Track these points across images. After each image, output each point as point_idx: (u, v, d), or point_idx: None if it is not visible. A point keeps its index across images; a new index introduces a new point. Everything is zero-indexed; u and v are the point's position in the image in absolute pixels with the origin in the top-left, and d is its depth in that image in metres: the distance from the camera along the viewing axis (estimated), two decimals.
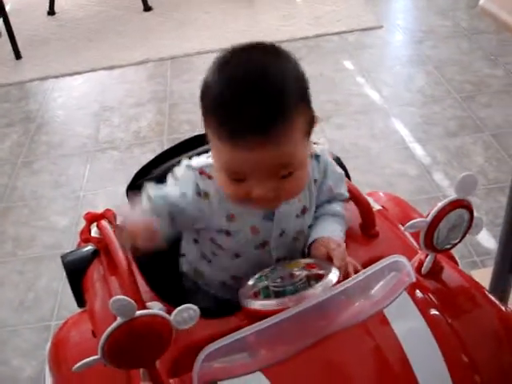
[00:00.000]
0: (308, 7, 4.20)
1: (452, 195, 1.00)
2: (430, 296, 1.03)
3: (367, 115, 2.98)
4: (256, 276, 1.03)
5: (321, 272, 1.00)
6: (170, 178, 1.08)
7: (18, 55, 3.91)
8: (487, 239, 2.16)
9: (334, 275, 0.99)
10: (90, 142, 3.05)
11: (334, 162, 1.17)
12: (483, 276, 1.91)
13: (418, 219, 0.99)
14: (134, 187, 1.22)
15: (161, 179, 1.14)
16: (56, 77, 3.71)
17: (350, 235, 1.17)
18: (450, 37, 3.65)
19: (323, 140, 1.31)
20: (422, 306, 0.99)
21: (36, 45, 4.07)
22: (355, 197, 1.20)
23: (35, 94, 3.61)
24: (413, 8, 4.35)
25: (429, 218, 0.98)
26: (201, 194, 1.04)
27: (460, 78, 3.20)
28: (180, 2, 4.48)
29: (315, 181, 1.12)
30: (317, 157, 1.11)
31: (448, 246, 1.05)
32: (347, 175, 1.40)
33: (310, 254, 1.11)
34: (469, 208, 1.01)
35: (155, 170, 1.27)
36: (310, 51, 3.65)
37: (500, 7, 1.24)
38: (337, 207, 1.17)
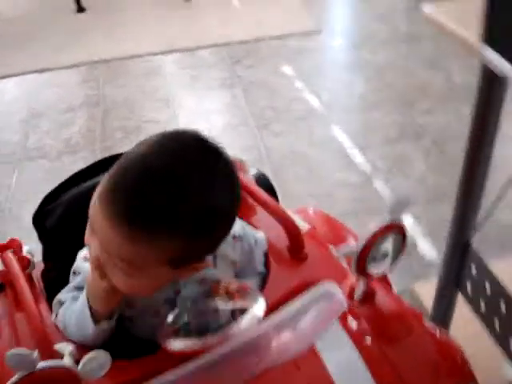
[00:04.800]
0: (246, 11, 4.14)
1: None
2: (363, 323, 0.97)
3: (307, 122, 2.92)
4: (176, 311, 0.93)
5: (245, 304, 0.92)
6: (71, 277, 0.98)
7: None
8: (429, 251, 2.12)
9: (259, 306, 0.90)
10: (18, 150, 2.89)
11: (253, 231, 1.06)
12: (427, 290, 1.86)
13: (349, 245, 0.93)
14: (41, 214, 1.11)
15: (69, 206, 1.04)
16: None
17: (277, 258, 1.09)
18: (388, 41, 3.63)
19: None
20: (355, 335, 0.93)
21: None
22: (282, 219, 1.12)
23: None
24: (351, 13, 4.33)
25: (360, 244, 0.91)
26: None
27: (400, 83, 3.18)
28: (115, 4, 4.35)
29: (233, 263, 1.02)
30: (239, 238, 1.01)
31: (380, 271, 0.98)
32: (274, 194, 1.32)
33: None
34: (401, 231, 0.94)
35: (63, 195, 1.15)
36: (249, 55, 3.58)
37: (447, 17, 1.19)
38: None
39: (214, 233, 0.82)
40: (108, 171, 0.80)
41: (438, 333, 0.99)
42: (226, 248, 0.97)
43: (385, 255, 0.96)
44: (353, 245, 0.92)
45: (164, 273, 0.83)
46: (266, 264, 1.09)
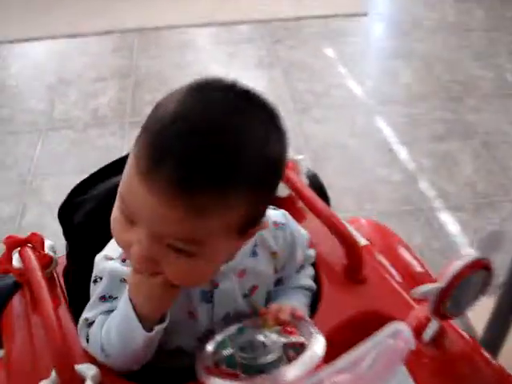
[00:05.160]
0: None
1: (467, 249, 0.80)
2: (429, 365, 0.86)
3: (348, 110, 2.75)
4: (218, 338, 0.80)
5: (300, 339, 0.78)
6: (92, 288, 0.85)
7: None
8: None
9: (319, 345, 0.76)
10: (43, 119, 2.76)
11: (296, 223, 0.94)
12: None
13: (430, 285, 0.78)
14: (69, 208, 0.97)
15: (100, 201, 0.94)
16: (11, 42, 3.39)
17: (332, 280, 0.96)
18: (437, 31, 3.44)
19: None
20: (421, 378, 0.82)
21: None
22: (339, 232, 0.97)
23: None
24: None
25: (443, 283, 0.77)
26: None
27: (448, 76, 2.99)
28: None
29: (274, 253, 0.88)
30: (281, 226, 0.89)
31: (460, 312, 0.84)
32: (326, 198, 1.18)
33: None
34: (489, 268, 0.80)
35: (93, 188, 1.01)
36: (289, 34, 3.41)
37: None
38: (305, 279, 0.95)
39: (274, 184, 0.72)
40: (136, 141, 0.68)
41: (504, 371, 0.88)
42: (267, 235, 0.85)
43: (467, 293, 0.82)
44: (434, 286, 0.77)
45: (230, 242, 0.71)
46: (316, 279, 0.96)
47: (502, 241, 0.77)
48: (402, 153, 2.45)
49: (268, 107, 0.70)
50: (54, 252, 1.01)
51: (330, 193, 2.14)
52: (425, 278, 1.17)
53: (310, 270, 0.97)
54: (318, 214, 0.99)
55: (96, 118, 2.73)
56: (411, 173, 2.34)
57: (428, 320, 0.83)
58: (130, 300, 0.74)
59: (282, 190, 1.11)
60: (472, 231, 2.07)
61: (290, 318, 0.82)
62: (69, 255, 1.02)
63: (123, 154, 2.47)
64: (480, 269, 0.78)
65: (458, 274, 0.76)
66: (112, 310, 0.79)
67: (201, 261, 0.68)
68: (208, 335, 0.81)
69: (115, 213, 0.71)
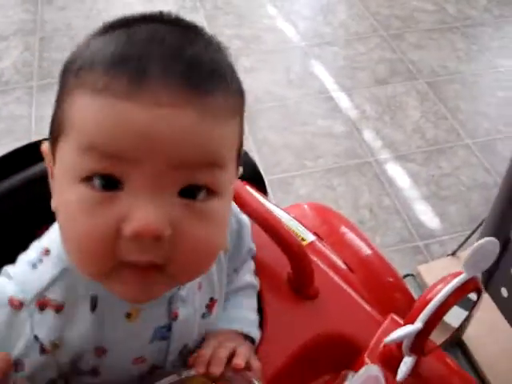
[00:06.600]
0: None
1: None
2: None
3: (281, 56, 2.51)
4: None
5: None
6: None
7: None
8: (431, 217, 1.80)
9: None
10: None
11: (238, 209, 0.72)
12: (432, 270, 1.56)
13: (404, 329, 0.58)
14: None
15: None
16: None
17: (277, 297, 0.76)
18: None
19: None
20: None
21: None
22: (283, 240, 0.76)
23: None
24: None
25: (420, 324, 0.57)
26: (45, 349, 0.55)
27: (386, 11, 2.77)
28: None
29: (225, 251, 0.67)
30: None
31: (442, 342, 0.65)
32: (260, 184, 0.97)
33: (210, 343, 0.66)
34: (477, 289, 0.61)
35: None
36: None
37: None
38: (246, 276, 0.76)
39: (244, 104, 0.56)
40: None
41: None
42: None
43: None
44: (410, 328, 0.57)
45: (234, 179, 0.55)
46: (259, 296, 0.76)
47: (495, 254, 0.57)
48: (343, 100, 2.24)
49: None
50: None
51: (268, 151, 1.92)
52: (377, 264, 1.04)
53: (252, 264, 0.78)
54: (251, 214, 0.76)
55: (0, 83, 2.40)
56: (354, 122, 2.14)
57: (402, 354, 0.64)
58: None
59: None
60: (423, 183, 1.90)
61: (223, 369, 0.61)
62: None
63: (32, 124, 2.10)
64: (466, 294, 0.58)
65: (444, 305, 0.56)
66: None
67: (221, 205, 0.51)
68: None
69: (75, 193, 0.48)
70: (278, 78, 2.37)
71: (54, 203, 0.52)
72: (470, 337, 1.41)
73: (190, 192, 0.48)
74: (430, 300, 0.59)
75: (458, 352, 1.41)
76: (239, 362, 0.61)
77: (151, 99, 0.45)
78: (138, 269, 0.47)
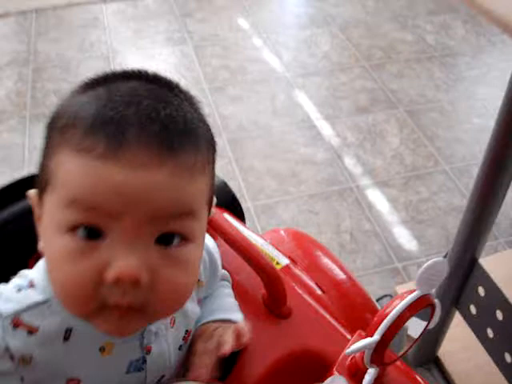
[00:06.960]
0: None
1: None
2: None
3: (266, 86, 2.60)
4: None
5: None
6: None
7: None
8: (409, 240, 1.88)
9: None
10: None
11: (211, 240, 0.79)
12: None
13: (363, 341, 0.64)
14: None
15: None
16: None
17: (251, 316, 0.82)
18: None
19: None
20: None
21: None
22: (257, 263, 0.83)
23: None
24: None
25: (378, 336, 0.63)
26: (14, 359, 0.59)
27: (367, 42, 2.88)
28: None
29: (198, 282, 0.74)
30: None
31: (401, 354, 0.72)
32: (239, 212, 1.03)
33: (196, 349, 0.72)
34: (431, 303, 0.68)
35: None
36: (200, 7, 3.20)
37: None
38: (224, 288, 0.83)
39: (215, 151, 0.62)
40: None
41: None
42: None
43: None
44: (369, 340, 0.63)
45: (206, 221, 0.61)
46: None
47: (444, 272, 0.64)
48: (325, 128, 2.33)
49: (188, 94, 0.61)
50: None
51: (252, 177, 1.99)
52: (348, 286, 1.08)
53: (228, 285, 0.84)
54: (228, 240, 0.84)
55: None
56: (336, 149, 2.23)
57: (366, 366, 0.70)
58: None
59: None
60: (402, 207, 1.98)
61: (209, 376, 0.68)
62: None
63: (25, 152, 2.18)
64: (420, 309, 0.65)
65: (398, 320, 0.63)
66: None
67: (194, 249, 0.57)
68: None
69: (61, 242, 0.53)
70: (263, 107, 2.46)
71: (41, 245, 0.58)
72: (444, 353, 1.47)
73: (165, 239, 0.54)
74: (387, 315, 0.65)
75: (434, 368, 1.48)
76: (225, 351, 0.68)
77: (128, 161, 0.51)
78: (119, 309, 0.53)
